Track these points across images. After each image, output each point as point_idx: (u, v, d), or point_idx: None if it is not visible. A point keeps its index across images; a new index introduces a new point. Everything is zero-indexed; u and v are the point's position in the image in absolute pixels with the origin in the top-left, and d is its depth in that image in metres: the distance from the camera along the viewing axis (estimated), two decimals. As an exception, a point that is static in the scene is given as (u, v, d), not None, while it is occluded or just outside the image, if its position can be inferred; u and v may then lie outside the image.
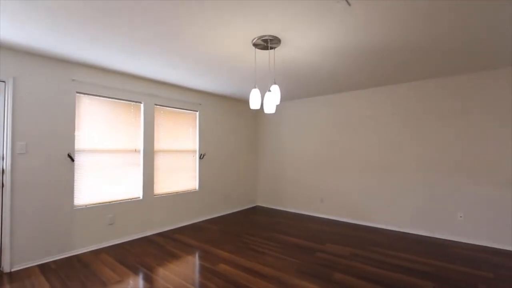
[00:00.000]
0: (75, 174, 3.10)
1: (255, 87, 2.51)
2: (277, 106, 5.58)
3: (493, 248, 3.25)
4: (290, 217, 4.84)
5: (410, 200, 3.89)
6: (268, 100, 2.44)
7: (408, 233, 3.84)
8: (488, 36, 2.35)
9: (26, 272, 2.63)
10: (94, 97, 3.29)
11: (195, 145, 4.59)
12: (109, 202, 3.41)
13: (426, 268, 2.72)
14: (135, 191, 3.71)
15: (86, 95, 3.22)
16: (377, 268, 2.73)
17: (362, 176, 4.37)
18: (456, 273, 2.61)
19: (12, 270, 2.64)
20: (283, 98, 5.15)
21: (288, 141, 5.38)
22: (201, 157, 4.60)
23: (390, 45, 2.54)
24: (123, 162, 3.57)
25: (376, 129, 4.24)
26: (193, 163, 4.55)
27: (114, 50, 2.70)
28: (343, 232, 3.92)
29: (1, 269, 2.61)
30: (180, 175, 4.32)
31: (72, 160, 3.04)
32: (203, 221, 4.52)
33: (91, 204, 3.25)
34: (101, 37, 2.39)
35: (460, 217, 3.48)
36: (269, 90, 2.48)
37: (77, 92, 3.14)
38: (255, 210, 5.37)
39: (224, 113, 5.13)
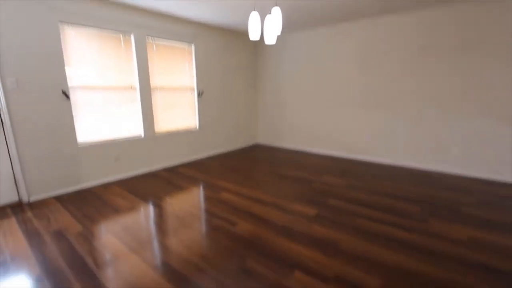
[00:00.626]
0: (73, 111, 3.06)
1: (254, 10, 2.26)
2: (277, 38, 5.20)
3: (481, 179, 3.44)
4: (290, 153, 5.01)
5: (406, 135, 3.95)
6: (268, 25, 2.25)
7: (404, 166, 4.02)
8: None
9: (44, 202, 2.84)
10: (79, 27, 3.03)
11: (193, 82, 4.44)
12: (112, 140, 3.47)
13: (414, 195, 2.93)
14: (136, 129, 3.73)
15: (70, 25, 2.96)
16: (369, 195, 2.93)
17: (360, 112, 4.35)
18: (443, 199, 2.81)
19: (31, 200, 2.85)
20: (283, 28, 4.76)
21: (288, 77, 5.19)
22: (199, 94, 4.50)
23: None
24: (120, 100, 3.50)
25: (374, 64, 4.03)
26: (192, 101, 4.47)
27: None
28: (340, 166, 4.10)
29: (20, 199, 2.81)
30: (179, 113, 4.29)
31: (67, 97, 2.97)
32: (204, 158, 4.69)
33: (95, 142, 3.31)
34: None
35: (454, 150, 3.59)
36: (270, 13, 2.26)
37: (60, 21, 2.87)
38: (256, 148, 5.53)
39: (222, 48, 4.81)
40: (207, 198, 2.90)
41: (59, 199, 2.91)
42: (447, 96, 3.56)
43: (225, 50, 4.89)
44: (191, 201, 2.83)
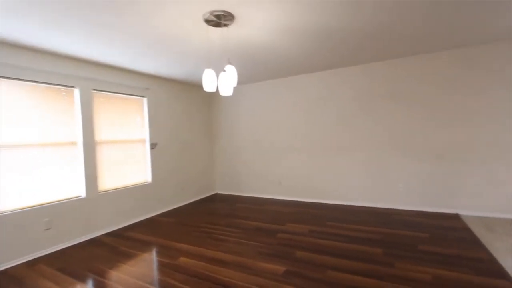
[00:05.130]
0: (-7, 175, 2.57)
1: (208, 68, 2.32)
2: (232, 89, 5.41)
3: (426, 212, 3.72)
4: (250, 201, 4.86)
5: (358, 176, 4.20)
6: (223, 81, 2.30)
7: (358, 206, 4.17)
8: (424, 23, 2.54)
9: None
10: (15, 81, 2.72)
11: (145, 134, 4.21)
12: (45, 204, 2.94)
13: (374, 236, 2.98)
14: (76, 189, 3.26)
15: (5, 80, 2.64)
16: (334, 241, 2.89)
17: (316, 157, 4.56)
18: (399, 237, 2.91)
19: None
20: (239, 82, 5.01)
21: (244, 125, 5.31)
22: (152, 147, 4.25)
23: (344, 27, 2.58)
24: (59, 157, 3.08)
25: (328, 111, 4.42)
26: (144, 153, 4.19)
27: (36, 24, 2.22)
28: (300, 211, 4.07)
29: None
30: (129, 168, 3.94)
31: (-13, 158, 2.50)
32: (158, 215, 4.25)
33: (21, 209, 2.75)
34: (25, 10, 1.93)
35: (400, 187, 3.89)
36: (224, 71, 2.33)
37: (-14, 75, 2.55)
38: (214, 198, 5.26)
39: (176, 99, 4.79)
40: (162, 266, 2.51)
41: (-41, 291, 2.23)
42: (388, 141, 3.98)
43: (179, 101, 4.87)
44: (141, 273, 2.41)
